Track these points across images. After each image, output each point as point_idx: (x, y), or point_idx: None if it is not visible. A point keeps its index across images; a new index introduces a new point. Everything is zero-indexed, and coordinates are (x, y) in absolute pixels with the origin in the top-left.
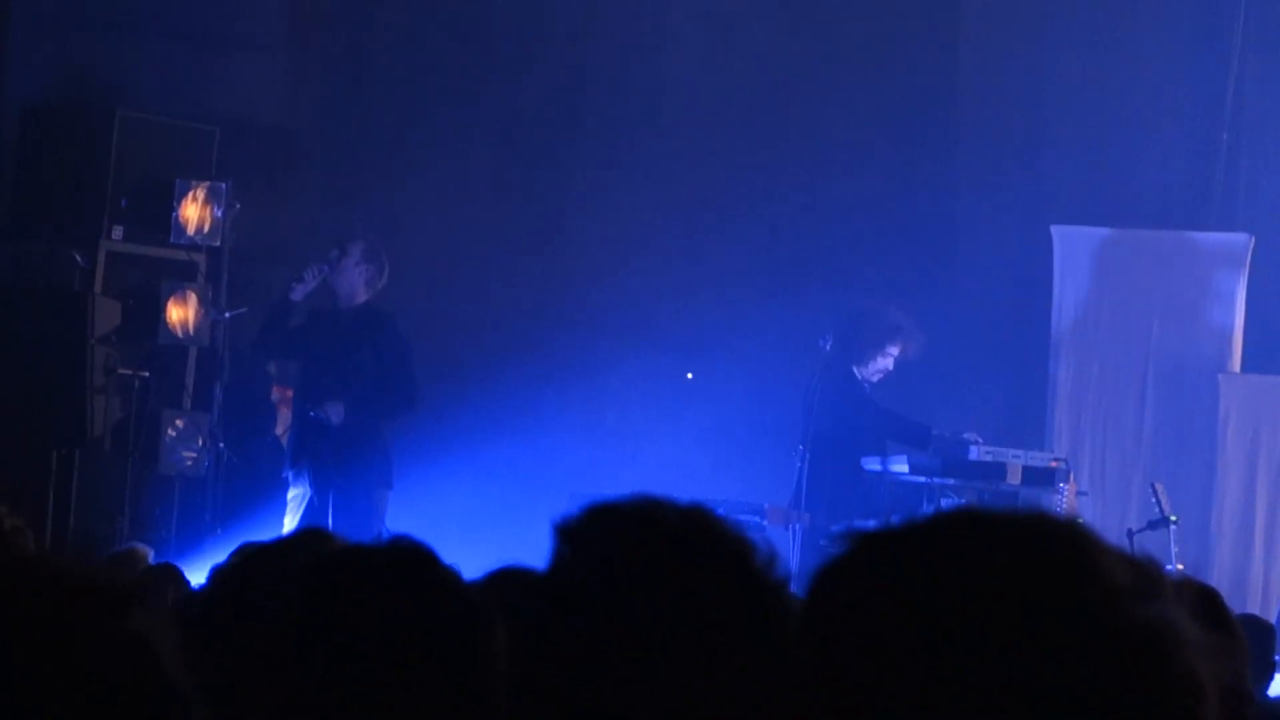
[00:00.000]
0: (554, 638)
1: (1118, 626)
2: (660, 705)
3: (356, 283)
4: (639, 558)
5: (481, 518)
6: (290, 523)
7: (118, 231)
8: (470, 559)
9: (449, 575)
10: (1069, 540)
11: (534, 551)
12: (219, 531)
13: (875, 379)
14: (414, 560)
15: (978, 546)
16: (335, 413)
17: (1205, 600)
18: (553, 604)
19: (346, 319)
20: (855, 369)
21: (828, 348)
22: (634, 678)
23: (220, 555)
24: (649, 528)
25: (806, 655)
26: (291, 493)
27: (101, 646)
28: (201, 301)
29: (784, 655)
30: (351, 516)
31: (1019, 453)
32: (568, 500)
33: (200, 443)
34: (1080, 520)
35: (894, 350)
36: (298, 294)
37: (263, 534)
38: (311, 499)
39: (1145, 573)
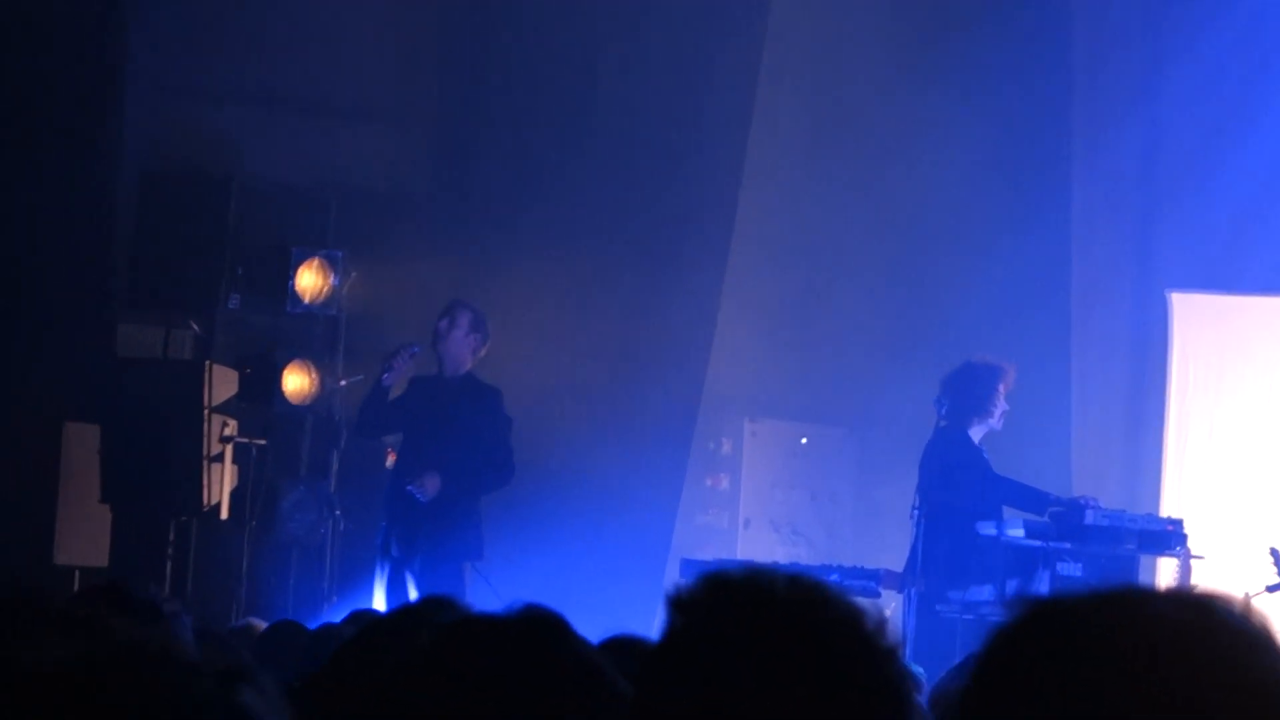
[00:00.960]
0: (668, 710)
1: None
2: None
3: (464, 352)
4: (752, 629)
5: (597, 586)
6: (380, 591)
7: (234, 300)
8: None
9: (581, 645)
10: (1233, 623)
11: (649, 621)
12: (335, 600)
13: (999, 425)
14: (546, 629)
15: (1146, 623)
16: (429, 488)
17: None
18: (666, 675)
19: (450, 388)
20: (973, 429)
21: (943, 411)
22: None
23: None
24: (760, 598)
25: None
26: (379, 561)
27: None
28: (318, 370)
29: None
30: (435, 586)
31: (1135, 517)
32: (680, 569)
33: (317, 511)
34: (1243, 603)
35: (1003, 388)
36: (388, 380)
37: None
38: (396, 568)
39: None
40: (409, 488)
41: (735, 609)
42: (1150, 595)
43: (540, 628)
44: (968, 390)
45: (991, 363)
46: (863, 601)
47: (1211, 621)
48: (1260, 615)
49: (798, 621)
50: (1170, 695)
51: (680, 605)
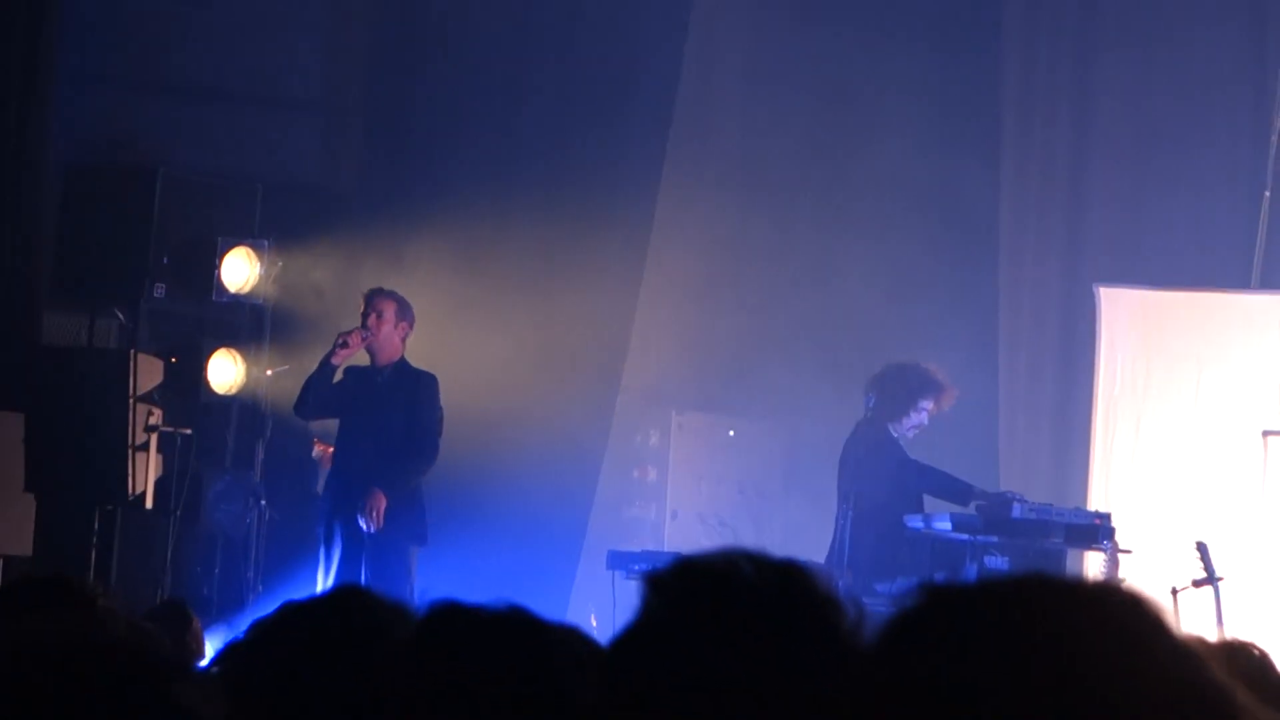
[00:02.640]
0: (636, 689)
1: (1184, 692)
2: None
3: (394, 341)
4: (728, 614)
5: (517, 578)
6: (323, 580)
7: (160, 290)
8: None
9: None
10: (1137, 609)
11: (559, 612)
12: (261, 590)
13: (910, 435)
14: (518, 616)
15: (1049, 608)
16: (376, 509)
17: (1256, 664)
18: (636, 655)
19: (385, 377)
20: (891, 427)
21: (871, 405)
22: None
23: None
24: (739, 584)
25: (873, 703)
26: (324, 551)
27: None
28: (244, 359)
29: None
30: (383, 573)
31: (1062, 510)
32: (608, 561)
33: (242, 501)
34: (1142, 591)
35: (927, 405)
36: (339, 359)
37: (304, 591)
38: (343, 557)
39: (1199, 643)
40: (360, 521)
41: (712, 595)
42: (1049, 583)
43: (513, 614)
44: (893, 390)
45: (929, 376)
46: (838, 592)
47: (1106, 610)
48: (1158, 607)
49: (775, 612)
50: (1054, 682)
51: (654, 586)
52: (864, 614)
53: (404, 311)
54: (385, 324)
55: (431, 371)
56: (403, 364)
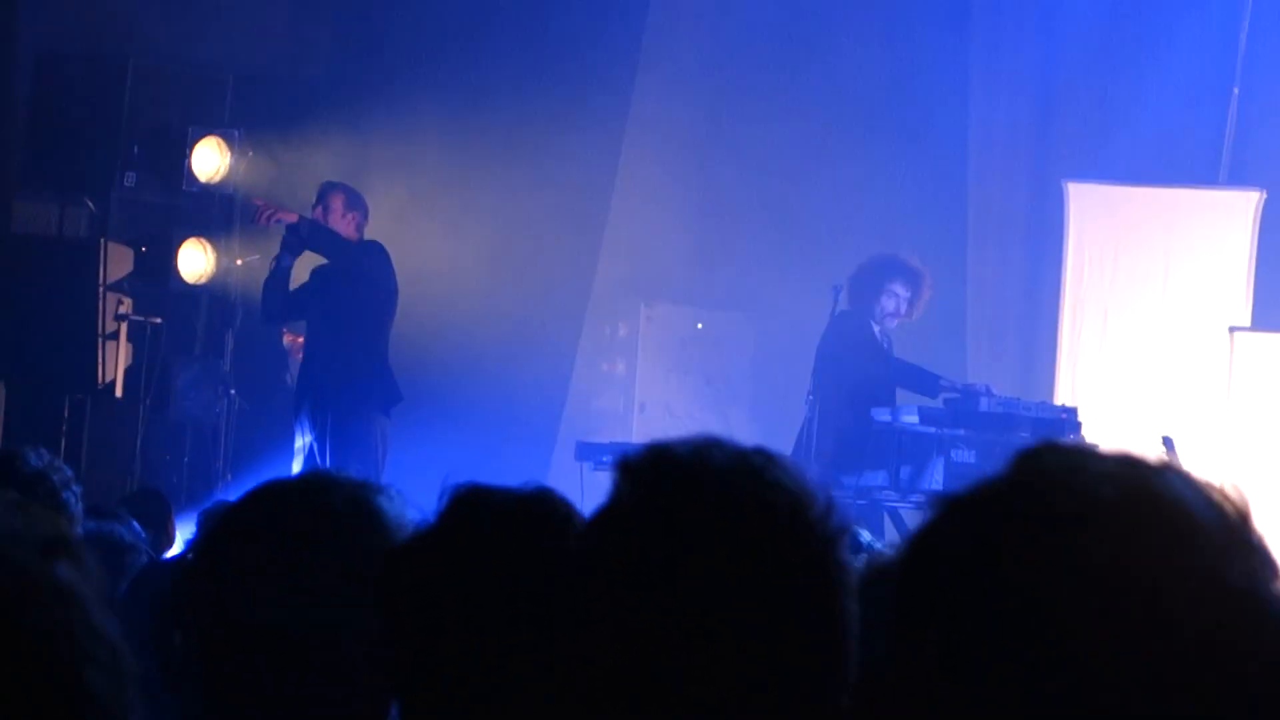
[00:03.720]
0: (609, 575)
1: (1214, 601)
2: (704, 655)
3: (347, 232)
4: (698, 500)
5: (481, 465)
6: (299, 465)
7: (130, 179)
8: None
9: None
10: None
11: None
12: (229, 478)
13: (891, 323)
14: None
15: (1072, 511)
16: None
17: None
18: (609, 540)
19: (339, 260)
20: (870, 319)
21: (839, 297)
22: (681, 625)
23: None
24: (709, 471)
25: (904, 631)
26: (298, 441)
27: (17, 595)
28: (214, 248)
29: (839, 606)
30: (351, 448)
31: (1029, 404)
32: (575, 452)
33: (212, 390)
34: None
35: (898, 289)
36: (288, 260)
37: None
38: (313, 442)
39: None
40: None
41: (678, 478)
42: (1066, 477)
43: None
44: (860, 276)
45: (893, 258)
46: (813, 484)
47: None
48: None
49: (738, 498)
50: (1108, 597)
51: (625, 471)
52: (833, 503)
53: (353, 201)
54: (332, 214)
55: (381, 244)
56: (358, 244)
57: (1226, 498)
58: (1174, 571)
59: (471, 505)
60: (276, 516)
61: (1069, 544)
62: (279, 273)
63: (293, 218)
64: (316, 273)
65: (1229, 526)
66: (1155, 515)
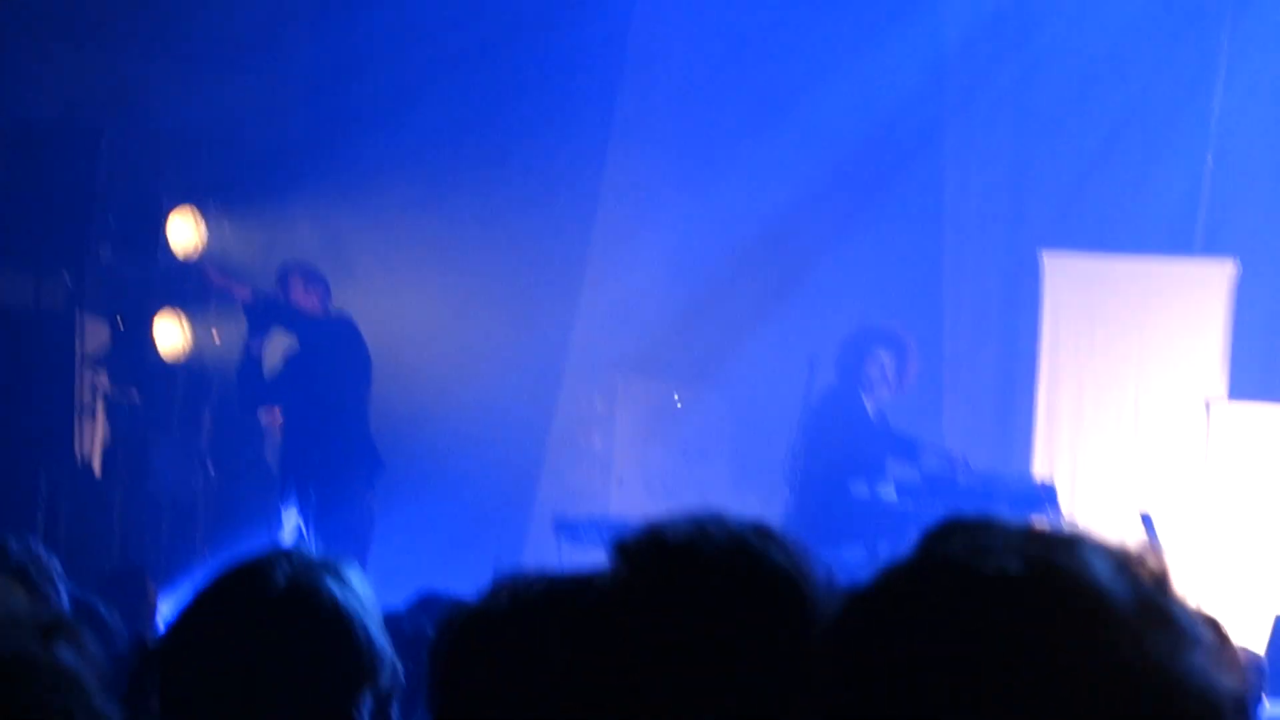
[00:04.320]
0: (612, 659)
1: (1130, 672)
2: None
3: (311, 309)
4: (700, 582)
5: (466, 536)
6: (284, 538)
7: (105, 251)
8: (453, 577)
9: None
10: (1073, 589)
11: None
12: (208, 554)
13: (882, 393)
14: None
15: (974, 591)
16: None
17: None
18: (611, 625)
19: (309, 339)
20: (858, 386)
21: (817, 374)
22: (676, 703)
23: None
24: (710, 552)
25: (838, 685)
26: (287, 522)
27: (23, 678)
28: (190, 322)
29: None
30: (338, 524)
31: (1006, 477)
32: (554, 527)
33: (189, 465)
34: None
35: (882, 356)
36: (256, 344)
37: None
38: (299, 519)
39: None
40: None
41: (679, 560)
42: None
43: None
44: (844, 344)
45: (872, 325)
46: (812, 561)
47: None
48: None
49: (737, 580)
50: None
51: (625, 554)
52: (833, 578)
53: (311, 278)
54: (294, 294)
55: (350, 319)
56: (324, 320)
57: (1144, 566)
58: (1079, 649)
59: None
60: (224, 602)
61: (970, 625)
62: (250, 357)
63: (244, 294)
64: (289, 351)
65: (1142, 599)
66: (1059, 591)
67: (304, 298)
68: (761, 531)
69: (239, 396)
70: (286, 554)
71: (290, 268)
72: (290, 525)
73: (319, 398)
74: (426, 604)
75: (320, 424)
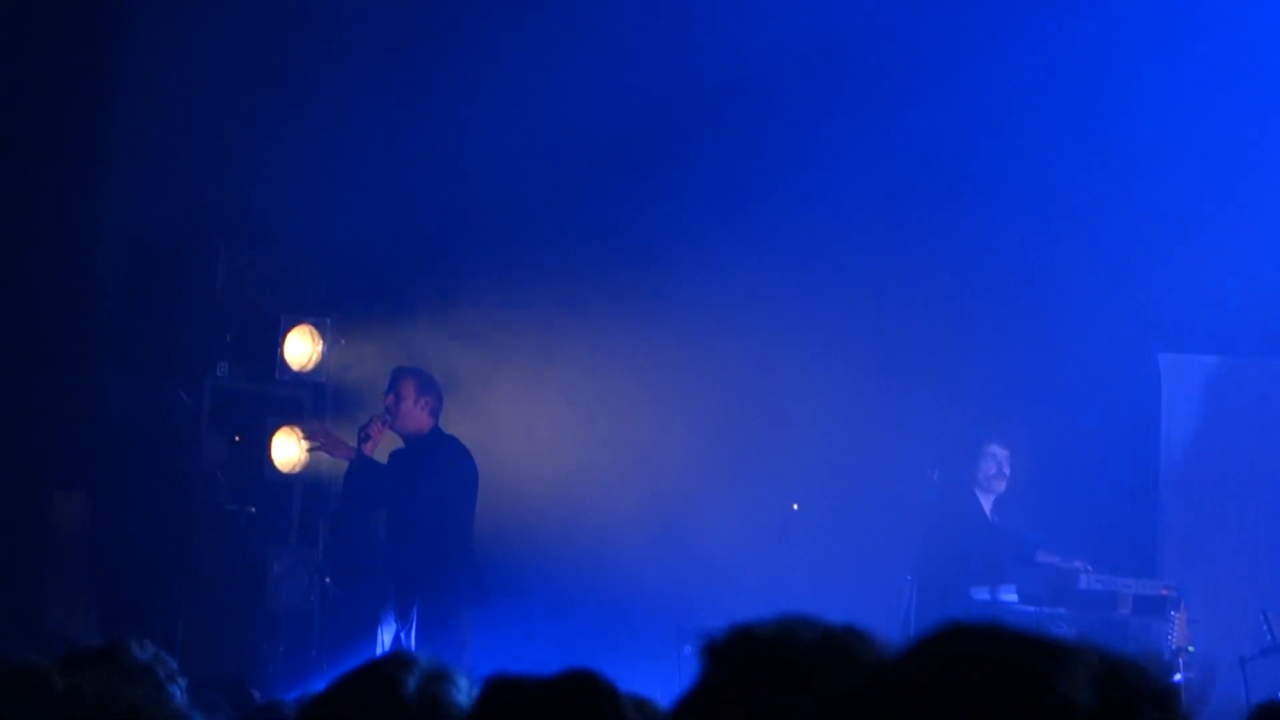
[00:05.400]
0: None
1: None
2: None
3: (421, 417)
4: (788, 682)
5: (587, 650)
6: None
7: (224, 368)
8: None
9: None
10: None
11: (648, 682)
12: (325, 667)
13: (999, 487)
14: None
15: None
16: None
17: None
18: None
19: (416, 451)
20: (973, 486)
21: (935, 478)
22: None
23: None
24: (798, 651)
25: None
26: (385, 634)
27: None
28: (306, 437)
29: None
30: (436, 641)
31: (1129, 581)
32: (670, 634)
33: (306, 578)
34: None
35: (995, 450)
36: (369, 449)
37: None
38: (398, 632)
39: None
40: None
41: (767, 659)
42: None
43: (586, 692)
44: (957, 447)
45: (983, 420)
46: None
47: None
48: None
49: (825, 672)
50: None
51: (713, 654)
52: None
53: (425, 387)
54: (404, 402)
55: (457, 438)
56: (433, 433)
57: (1135, 685)
58: None
59: (508, 695)
60: (357, 704)
61: None
62: (361, 460)
63: (346, 454)
64: (394, 459)
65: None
66: (1021, 700)
67: (414, 407)
68: (852, 631)
69: (342, 496)
70: (411, 660)
71: (404, 372)
72: (388, 638)
73: (422, 514)
74: None
75: (424, 540)
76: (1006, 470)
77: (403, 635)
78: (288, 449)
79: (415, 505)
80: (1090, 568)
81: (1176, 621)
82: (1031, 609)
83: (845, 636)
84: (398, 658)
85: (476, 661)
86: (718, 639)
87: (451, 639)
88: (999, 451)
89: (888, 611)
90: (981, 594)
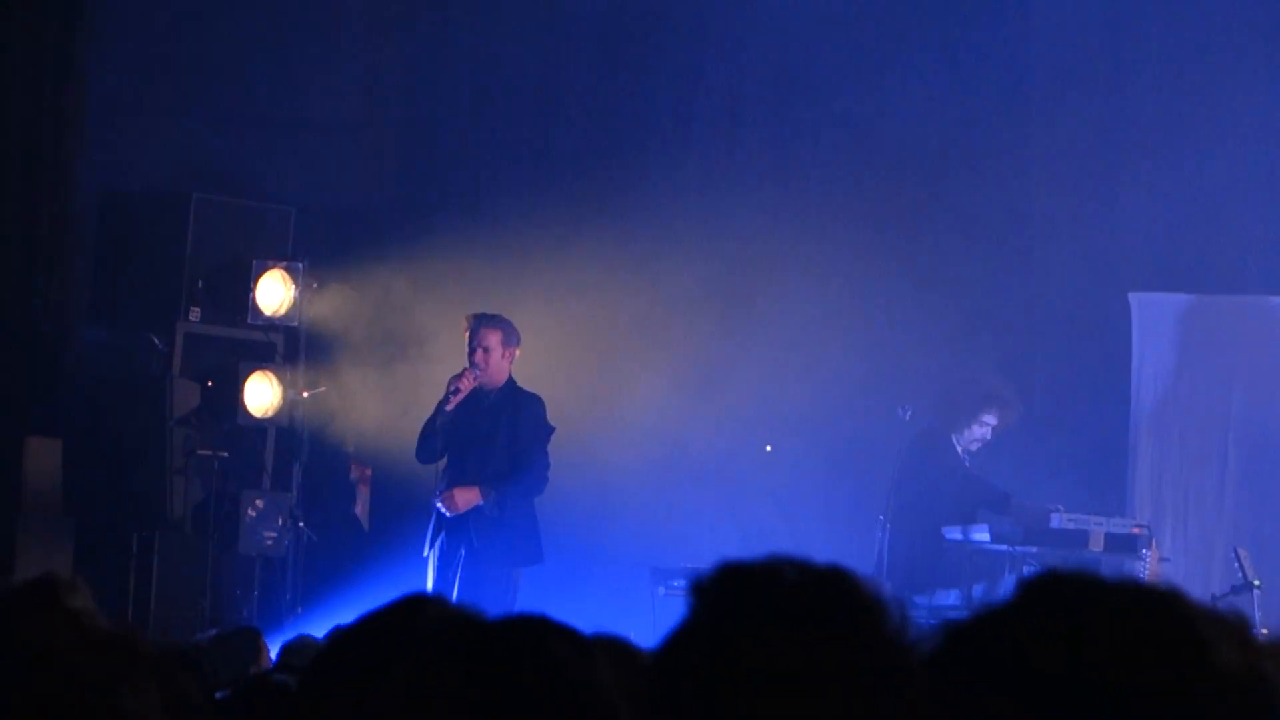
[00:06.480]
0: (684, 697)
1: (1220, 681)
2: None
3: (504, 368)
4: (772, 617)
5: (560, 591)
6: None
7: (195, 314)
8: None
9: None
10: (1170, 609)
11: (615, 624)
12: (300, 612)
13: (974, 448)
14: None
15: (1086, 619)
16: (458, 502)
17: None
18: (684, 661)
19: (491, 400)
20: (954, 438)
21: (907, 418)
22: None
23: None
24: (783, 587)
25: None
26: (429, 576)
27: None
28: (279, 382)
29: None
30: (482, 592)
31: (1101, 520)
32: (650, 577)
33: (280, 523)
34: (1170, 587)
35: (990, 419)
36: (453, 405)
37: (342, 614)
38: (437, 578)
39: (1237, 628)
40: (436, 504)
41: (752, 595)
42: (1082, 591)
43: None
44: (949, 400)
45: (995, 390)
46: (886, 595)
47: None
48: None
49: (811, 609)
50: (1111, 689)
51: (698, 590)
52: (909, 618)
53: (509, 338)
54: (493, 356)
55: (537, 394)
56: (509, 385)
57: (1242, 633)
58: (1180, 706)
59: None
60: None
61: (1076, 673)
62: (441, 416)
63: (475, 499)
64: (463, 407)
65: (1247, 665)
66: (1164, 649)
67: (501, 359)
68: (838, 569)
69: (420, 454)
70: (431, 600)
71: (487, 322)
72: (431, 580)
73: (498, 466)
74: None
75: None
76: (989, 437)
77: (440, 572)
78: (261, 393)
79: (482, 457)
80: (1062, 507)
81: (1148, 560)
82: (1003, 548)
83: (832, 575)
84: (421, 595)
85: (587, 618)
86: (704, 577)
87: (497, 592)
88: (992, 420)
89: (861, 548)
90: (954, 534)
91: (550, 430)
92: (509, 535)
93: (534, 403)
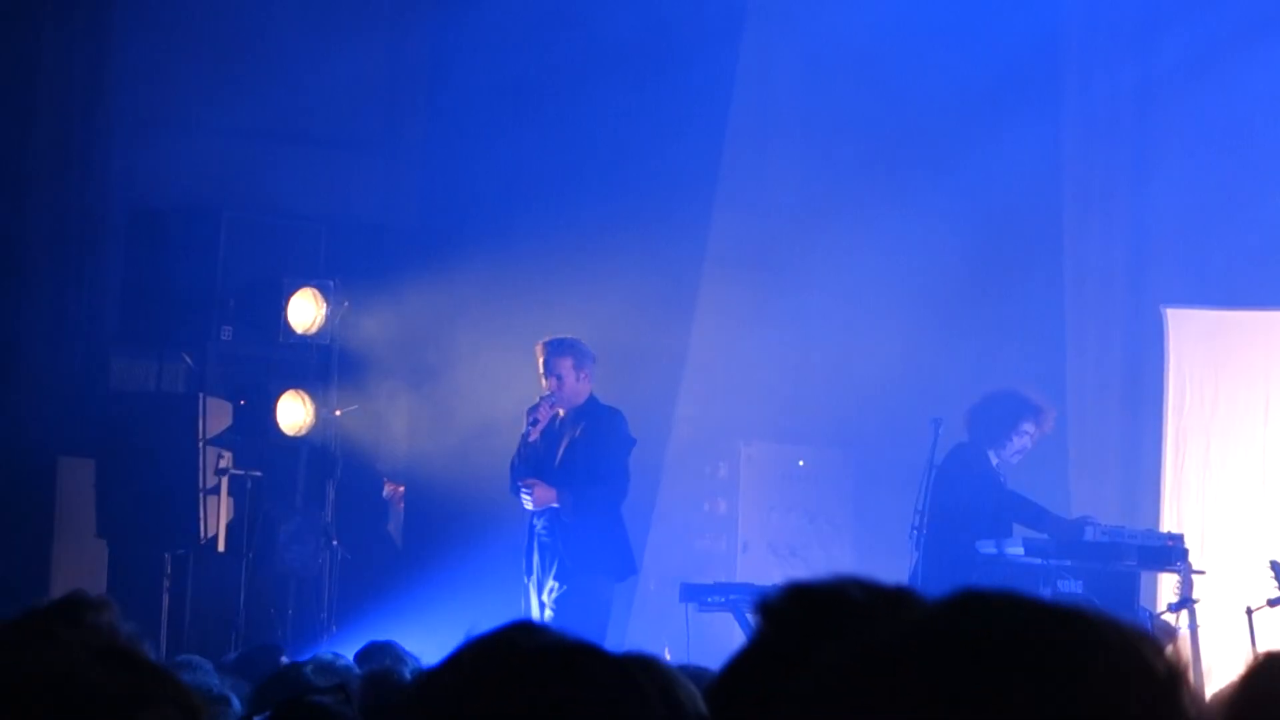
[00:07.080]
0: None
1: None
2: None
3: (581, 390)
4: (832, 637)
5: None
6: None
7: (227, 332)
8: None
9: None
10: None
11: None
12: (334, 630)
13: (1014, 460)
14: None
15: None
16: (539, 497)
17: None
18: (754, 683)
19: (570, 417)
20: (991, 453)
21: (939, 430)
22: None
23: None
24: (853, 609)
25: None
26: (530, 600)
27: None
28: (312, 400)
29: None
30: (570, 608)
31: (1135, 532)
32: (680, 594)
33: (313, 542)
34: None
35: (1029, 428)
36: (535, 435)
37: (377, 632)
38: (529, 600)
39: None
40: (520, 487)
41: (822, 617)
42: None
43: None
44: (989, 414)
45: (1028, 399)
46: None
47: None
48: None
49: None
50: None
51: (767, 613)
52: None
53: (581, 360)
54: (567, 382)
55: (617, 408)
56: (588, 403)
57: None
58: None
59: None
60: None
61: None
62: (524, 445)
63: (552, 499)
64: (553, 427)
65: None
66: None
67: (576, 384)
68: (903, 590)
69: (512, 483)
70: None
71: (558, 349)
72: (533, 603)
73: (563, 479)
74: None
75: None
76: (1029, 447)
77: (542, 608)
78: (293, 412)
79: (563, 470)
80: (1096, 521)
81: (1182, 572)
82: (1037, 561)
83: (897, 595)
84: (520, 626)
85: (619, 638)
86: (771, 597)
87: (593, 614)
88: (1031, 430)
89: (893, 563)
90: (987, 547)
91: (631, 442)
92: (597, 548)
93: (613, 416)
